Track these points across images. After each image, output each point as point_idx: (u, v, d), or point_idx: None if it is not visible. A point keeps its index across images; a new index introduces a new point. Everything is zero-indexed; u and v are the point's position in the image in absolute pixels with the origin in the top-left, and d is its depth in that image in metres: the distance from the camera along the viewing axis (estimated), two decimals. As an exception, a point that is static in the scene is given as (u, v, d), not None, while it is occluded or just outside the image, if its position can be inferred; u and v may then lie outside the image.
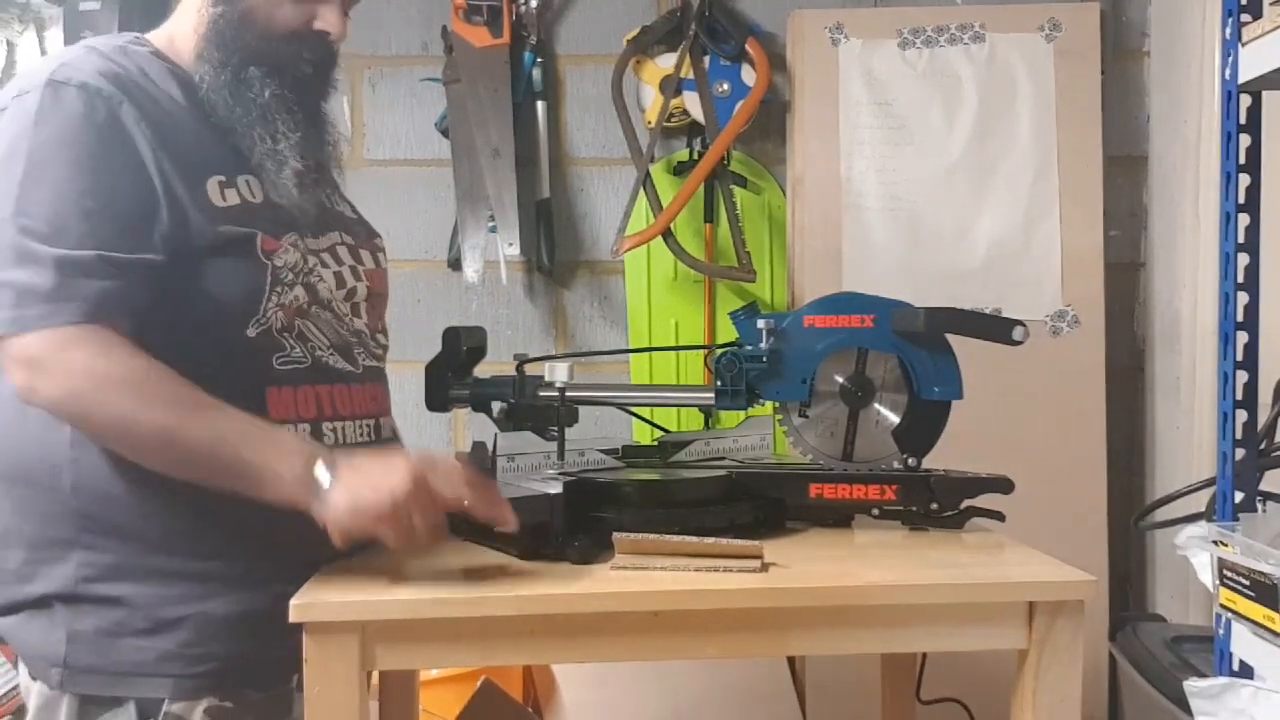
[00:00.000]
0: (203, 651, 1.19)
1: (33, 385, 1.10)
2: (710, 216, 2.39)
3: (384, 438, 1.36)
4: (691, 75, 2.36)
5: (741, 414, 1.54)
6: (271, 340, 1.23)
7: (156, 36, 1.31)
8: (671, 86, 2.36)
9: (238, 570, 1.21)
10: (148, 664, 1.18)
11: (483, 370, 1.53)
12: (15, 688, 1.87)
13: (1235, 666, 1.35)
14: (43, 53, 2.36)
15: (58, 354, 1.09)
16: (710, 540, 1.18)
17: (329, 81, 1.35)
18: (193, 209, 1.18)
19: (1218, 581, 1.31)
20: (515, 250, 2.36)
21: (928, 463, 1.39)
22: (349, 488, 1.09)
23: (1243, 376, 1.39)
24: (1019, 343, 1.34)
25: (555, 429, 1.42)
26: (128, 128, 1.16)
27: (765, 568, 1.16)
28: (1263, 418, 1.41)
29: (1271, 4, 1.32)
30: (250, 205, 1.22)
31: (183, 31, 1.29)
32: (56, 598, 1.19)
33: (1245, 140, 1.38)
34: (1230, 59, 1.36)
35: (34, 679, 1.21)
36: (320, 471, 1.10)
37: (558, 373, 1.44)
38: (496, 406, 1.47)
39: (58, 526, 1.19)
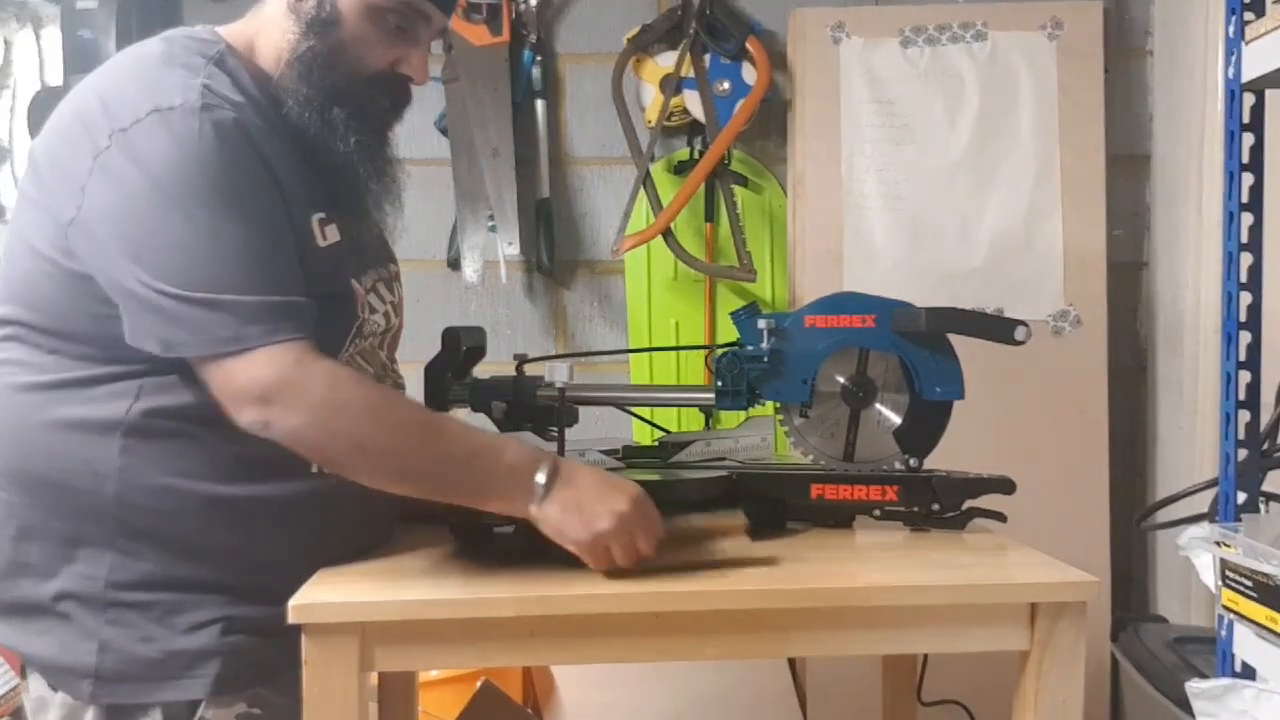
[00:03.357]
0: (235, 656, 1.16)
1: (266, 420, 1.07)
2: (710, 216, 2.38)
3: None
4: (692, 74, 2.35)
5: (742, 414, 1.54)
6: None
7: (235, 38, 1.22)
8: (672, 85, 2.35)
9: (267, 582, 1.17)
10: (180, 668, 1.15)
11: (482, 370, 1.53)
12: (15, 688, 1.87)
13: (1237, 668, 1.35)
14: (39, 51, 2.35)
15: (292, 382, 1.07)
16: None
17: (398, 119, 1.32)
18: (303, 248, 1.15)
19: (1220, 582, 1.31)
20: (515, 250, 2.36)
21: (929, 463, 1.39)
22: (569, 503, 1.13)
23: (1246, 377, 1.38)
24: (1021, 343, 1.34)
25: (555, 429, 1.41)
26: (263, 159, 1.12)
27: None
28: (1265, 418, 1.40)
29: (1275, 2, 1.32)
30: (339, 245, 1.20)
31: (268, 44, 1.21)
32: (79, 599, 1.15)
33: (1249, 139, 1.38)
34: (1233, 58, 1.36)
35: (54, 690, 1.17)
36: (540, 479, 1.13)
37: (558, 373, 1.44)
38: (496, 406, 1.46)
39: (92, 528, 1.15)
